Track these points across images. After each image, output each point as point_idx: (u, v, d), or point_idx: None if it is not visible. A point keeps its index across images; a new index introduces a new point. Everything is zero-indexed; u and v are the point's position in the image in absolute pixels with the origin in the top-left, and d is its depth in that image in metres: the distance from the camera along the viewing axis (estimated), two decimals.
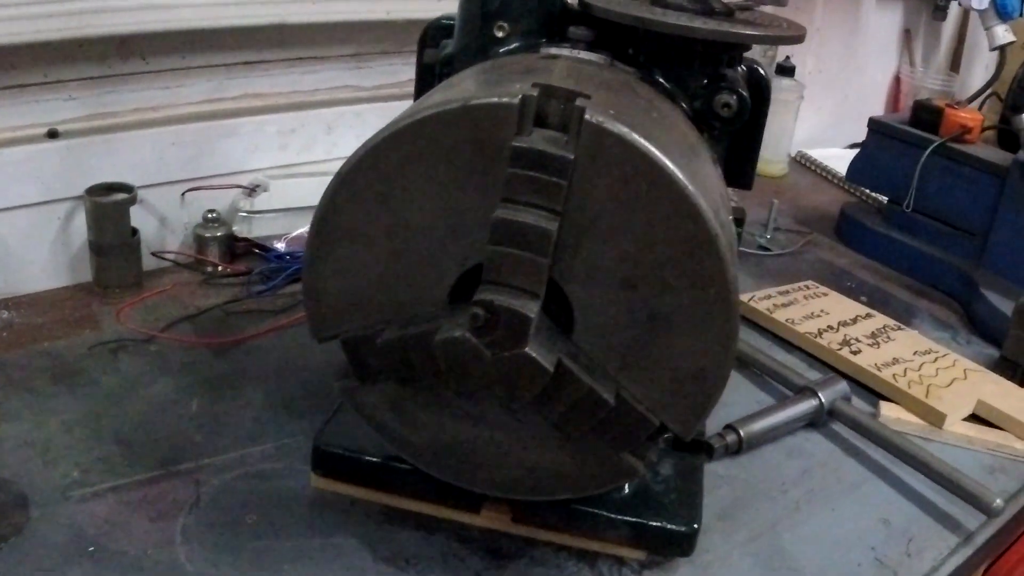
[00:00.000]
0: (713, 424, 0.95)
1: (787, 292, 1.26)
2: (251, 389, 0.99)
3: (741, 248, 1.39)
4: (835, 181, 1.82)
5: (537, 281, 0.61)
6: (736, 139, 0.88)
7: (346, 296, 0.69)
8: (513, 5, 0.79)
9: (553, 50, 0.75)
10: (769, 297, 1.24)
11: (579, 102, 0.59)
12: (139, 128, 1.17)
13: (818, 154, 1.90)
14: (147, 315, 1.12)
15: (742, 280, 1.29)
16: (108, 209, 1.13)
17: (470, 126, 0.61)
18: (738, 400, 1.03)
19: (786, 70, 1.70)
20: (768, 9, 0.84)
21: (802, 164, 1.92)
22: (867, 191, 1.66)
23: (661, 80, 0.76)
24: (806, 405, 1.00)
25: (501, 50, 0.79)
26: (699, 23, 0.71)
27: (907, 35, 2.11)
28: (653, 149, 0.58)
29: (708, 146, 0.73)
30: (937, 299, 1.38)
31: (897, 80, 2.15)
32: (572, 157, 0.59)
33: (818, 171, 1.88)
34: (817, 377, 1.05)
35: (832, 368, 1.11)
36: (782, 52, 1.71)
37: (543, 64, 0.70)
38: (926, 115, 1.43)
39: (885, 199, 1.53)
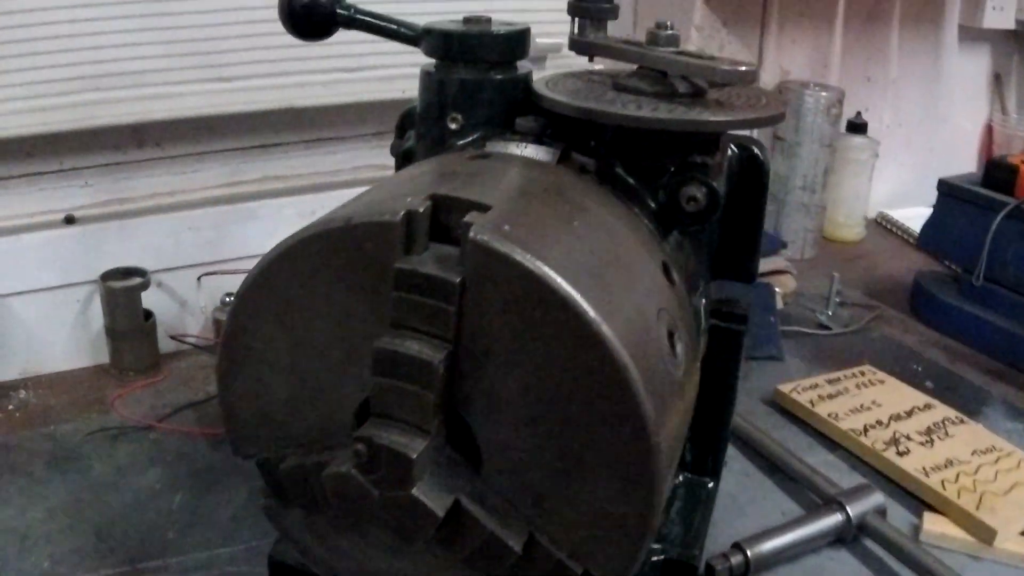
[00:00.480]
0: (721, 540, 0.86)
1: (837, 380, 1.15)
2: (238, 484, 0.97)
3: (797, 327, 1.31)
4: (917, 244, 1.68)
5: (424, 416, 0.55)
6: (732, 229, 0.80)
7: (257, 416, 0.65)
8: (465, 96, 0.74)
9: (497, 146, 0.70)
10: (815, 387, 1.13)
11: (469, 217, 0.53)
12: (155, 213, 1.18)
13: (901, 215, 1.76)
14: (156, 399, 1.12)
15: (794, 364, 1.22)
16: (120, 294, 1.13)
17: (356, 245, 0.56)
18: (760, 511, 0.94)
19: (857, 127, 1.58)
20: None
21: (883, 227, 1.78)
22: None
23: (621, 173, 0.69)
24: (831, 520, 0.89)
25: (459, 142, 0.74)
26: (650, 110, 0.65)
27: (997, 80, 1.95)
28: (546, 270, 0.51)
29: (665, 250, 0.66)
30: (1015, 381, 1.24)
31: (989, 130, 1.98)
32: (457, 280, 0.53)
33: (900, 234, 1.74)
34: (852, 485, 0.94)
35: (876, 471, 1.00)
36: (852, 107, 1.60)
37: (468, 167, 0.64)
38: (1000, 174, 1.29)
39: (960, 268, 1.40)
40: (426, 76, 0.75)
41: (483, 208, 0.55)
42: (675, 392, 0.58)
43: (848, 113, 1.58)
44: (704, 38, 1.48)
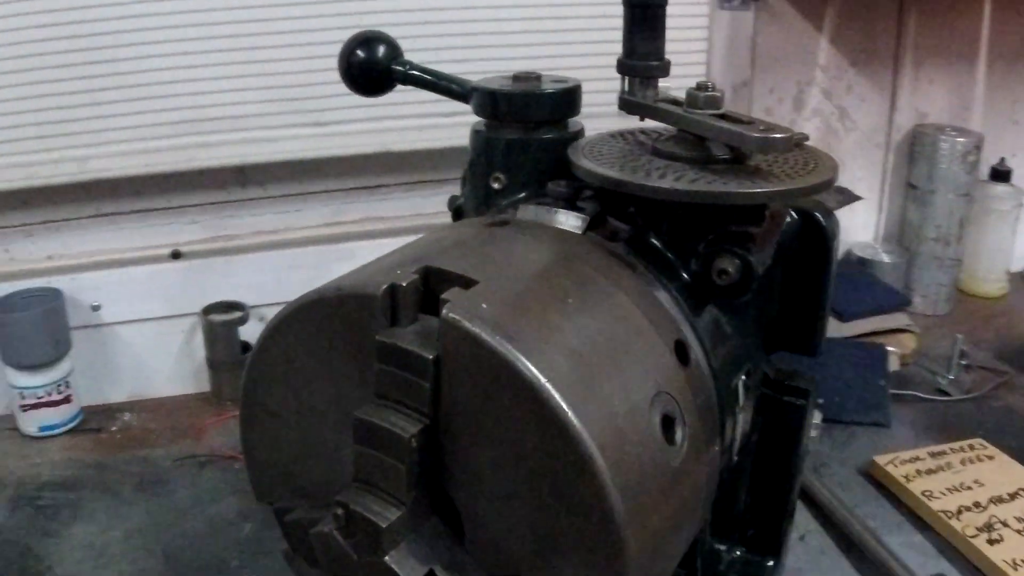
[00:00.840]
0: None
1: (942, 453, 1.07)
2: None
3: (913, 392, 1.22)
4: None
5: (398, 487, 0.54)
6: (792, 299, 0.75)
7: (273, 466, 0.66)
8: (509, 156, 0.74)
9: (528, 211, 0.68)
10: (915, 460, 1.05)
11: (448, 293, 0.53)
12: (258, 250, 1.22)
13: None
14: None
15: (902, 433, 1.14)
16: (220, 327, 1.18)
17: (345, 315, 0.56)
18: None
19: (1000, 174, 1.47)
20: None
21: None
22: None
23: (654, 242, 0.67)
24: None
25: (503, 202, 0.74)
26: (672, 180, 0.62)
27: None
28: (514, 353, 0.50)
29: (686, 327, 0.62)
30: None
31: None
32: (431, 357, 0.52)
33: None
34: (933, 573, 0.87)
35: (964, 558, 0.92)
36: (995, 152, 1.48)
37: (480, 235, 0.63)
38: None
39: None
40: (474, 135, 0.75)
41: (469, 283, 0.54)
42: (668, 481, 0.55)
43: (991, 159, 1.47)
44: (830, 79, 1.42)
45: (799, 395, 0.77)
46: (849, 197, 1.29)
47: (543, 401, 0.49)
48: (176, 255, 1.19)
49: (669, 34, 1.24)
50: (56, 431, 1.16)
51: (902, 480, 1.01)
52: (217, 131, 1.11)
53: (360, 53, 0.81)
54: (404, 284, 0.55)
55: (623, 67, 0.72)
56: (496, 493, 0.54)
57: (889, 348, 1.27)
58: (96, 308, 1.17)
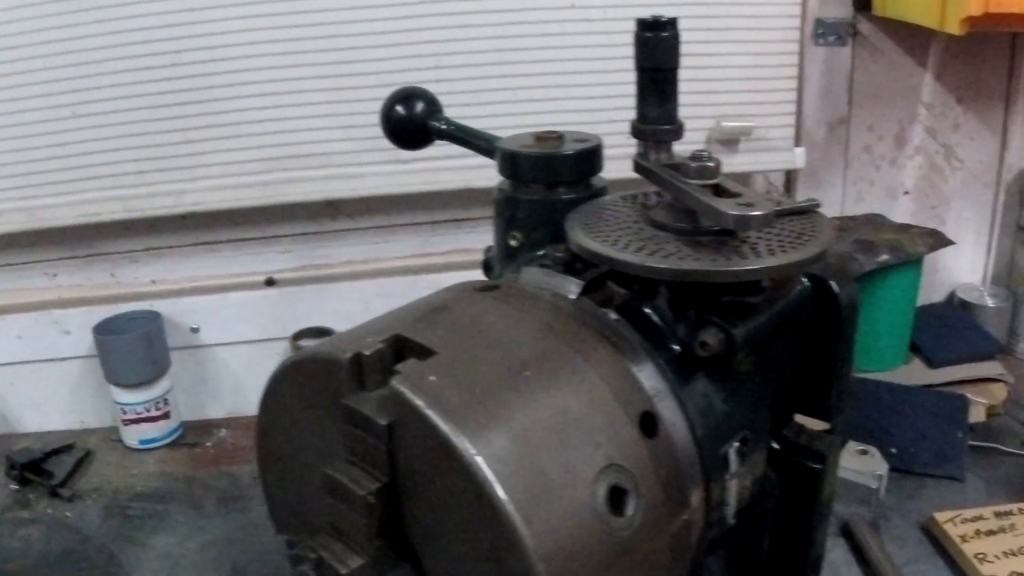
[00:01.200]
0: None
1: (1008, 514, 1.02)
2: None
3: (997, 445, 1.16)
4: None
5: (360, 538, 0.58)
6: (806, 365, 0.75)
7: (284, 503, 0.71)
8: (526, 216, 0.76)
9: (531, 273, 0.71)
10: (978, 519, 1.01)
11: (401, 365, 0.56)
12: (348, 280, 1.28)
13: None
14: None
15: (976, 488, 1.09)
16: None
17: (322, 376, 0.60)
18: None
19: None
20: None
21: None
22: None
23: (648, 311, 0.68)
24: None
25: (521, 260, 0.77)
26: (651, 254, 0.63)
27: None
28: (449, 427, 0.53)
29: (656, 398, 0.63)
30: None
31: None
32: (385, 423, 0.56)
33: None
34: None
35: None
36: None
37: (463, 300, 0.66)
38: None
39: None
40: (497, 191, 0.78)
41: (427, 354, 0.57)
42: (614, 551, 0.56)
43: None
44: (935, 116, 1.36)
45: (814, 458, 0.76)
46: (941, 241, 1.24)
47: (473, 474, 0.52)
48: (270, 282, 1.27)
49: (758, 71, 1.25)
50: (155, 444, 1.25)
51: (957, 540, 0.98)
52: (304, 168, 1.17)
53: (400, 109, 0.85)
54: (368, 353, 0.58)
55: (635, 131, 0.73)
56: (449, 553, 0.57)
57: (976, 398, 1.21)
58: (195, 330, 1.27)
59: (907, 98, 1.35)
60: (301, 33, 1.14)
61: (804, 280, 0.73)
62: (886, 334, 1.26)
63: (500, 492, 0.52)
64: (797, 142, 1.30)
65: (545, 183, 0.76)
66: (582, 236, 0.67)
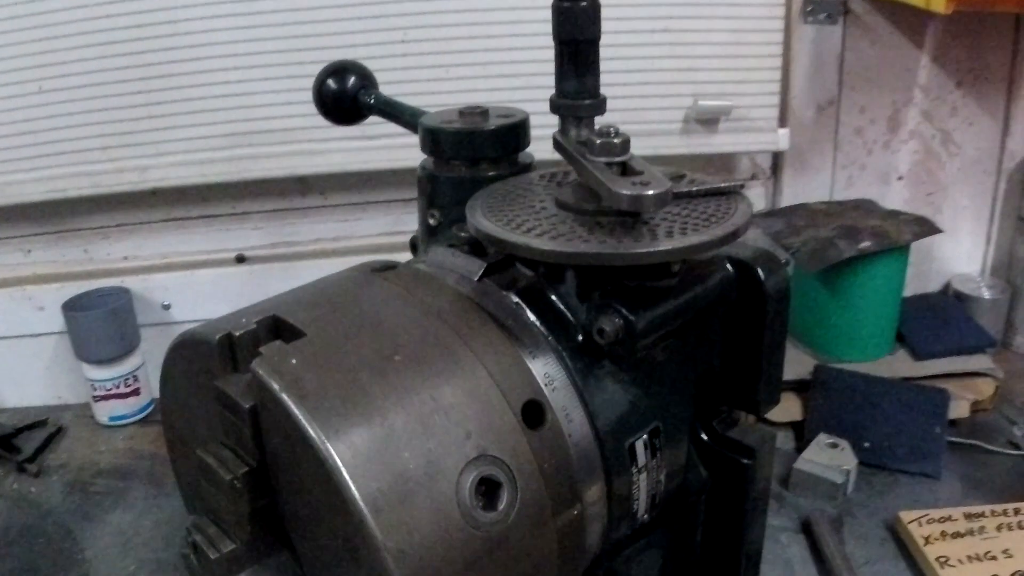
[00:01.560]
0: None
1: (979, 516, 0.97)
2: None
3: (980, 443, 1.11)
4: None
5: (232, 524, 0.57)
6: (732, 355, 0.72)
7: (188, 484, 0.70)
8: (441, 195, 0.74)
9: (437, 253, 0.69)
10: (946, 520, 0.97)
11: (264, 347, 0.54)
12: (319, 257, 1.27)
13: None
14: None
15: (950, 487, 1.05)
16: None
17: (201, 357, 0.59)
18: None
19: None
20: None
21: None
22: None
23: (551, 295, 0.65)
24: None
25: (441, 237, 0.74)
26: (541, 235, 0.60)
27: None
28: (301, 411, 0.51)
29: (548, 388, 0.61)
30: None
31: None
32: (248, 406, 0.54)
33: None
34: None
35: None
36: None
37: (354, 282, 0.65)
38: None
39: None
40: (419, 169, 0.75)
41: (298, 335, 0.56)
42: (482, 546, 0.54)
43: None
44: (931, 100, 1.30)
45: (744, 453, 0.73)
46: (928, 228, 1.19)
47: (323, 462, 0.50)
48: (240, 259, 1.26)
49: (739, 49, 1.20)
50: (125, 421, 1.25)
51: (920, 541, 0.94)
52: (269, 143, 1.16)
53: (331, 83, 0.83)
54: (238, 334, 0.57)
55: (553, 106, 0.70)
56: (317, 541, 0.55)
57: (961, 393, 1.16)
58: (167, 307, 1.26)
59: (902, 80, 1.29)
60: (265, 6, 1.12)
61: (728, 266, 0.70)
62: (869, 323, 1.21)
63: (349, 482, 0.50)
64: (783, 123, 1.25)
65: (466, 160, 0.73)
66: (479, 217, 0.64)
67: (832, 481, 1.03)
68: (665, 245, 0.59)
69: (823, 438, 1.09)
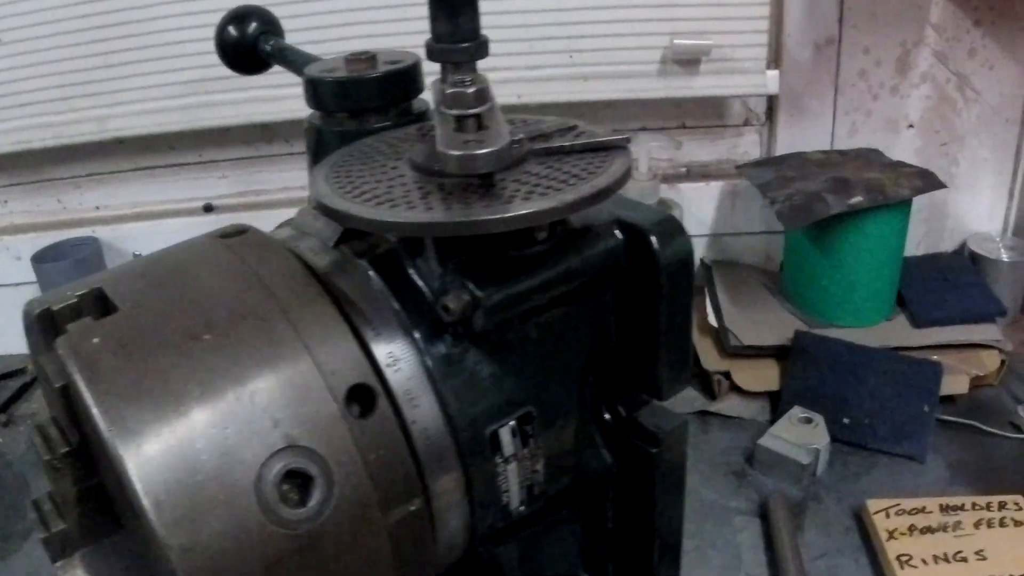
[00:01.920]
0: None
1: (958, 508, 0.89)
2: None
3: (976, 423, 1.02)
4: None
5: (59, 502, 0.55)
6: (626, 331, 0.65)
7: None
8: (323, 150, 0.69)
9: (305, 217, 0.64)
10: (918, 511, 0.89)
11: (72, 324, 0.52)
12: (287, 206, 1.23)
13: None
14: None
15: (935, 473, 0.97)
16: None
17: (35, 331, 0.57)
18: None
19: None
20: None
21: None
22: None
23: (407, 267, 0.60)
24: None
25: None
26: (378, 205, 0.55)
27: None
28: (91, 393, 0.48)
29: (385, 371, 0.56)
30: None
31: None
32: (58, 385, 0.52)
33: None
34: None
35: None
36: None
37: (196, 250, 0.60)
38: None
39: None
40: (306, 123, 0.70)
41: (112, 310, 0.52)
42: (294, 547, 0.50)
43: None
44: (946, 40, 1.19)
45: (648, 440, 0.67)
46: (931, 183, 1.09)
47: (109, 450, 0.47)
48: (208, 208, 1.23)
49: None
50: None
51: (883, 535, 0.87)
52: (225, 91, 1.12)
53: (231, 31, 0.78)
54: (57, 308, 0.53)
55: (428, 52, 0.63)
56: (133, 526, 0.52)
57: (959, 366, 1.07)
58: (137, 257, 1.24)
59: (911, 18, 1.18)
60: None
61: (617, 233, 0.63)
62: (863, 286, 1.12)
63: (131, 472, 0.46)
64: (776, 64, 1.16)
65: (349, 112, 0.68)
66: (319, 180, 0.59)
67: (798, 461, 0.96)
68: (501, 212, 0.53)
69: (796, 412, 1.01)
